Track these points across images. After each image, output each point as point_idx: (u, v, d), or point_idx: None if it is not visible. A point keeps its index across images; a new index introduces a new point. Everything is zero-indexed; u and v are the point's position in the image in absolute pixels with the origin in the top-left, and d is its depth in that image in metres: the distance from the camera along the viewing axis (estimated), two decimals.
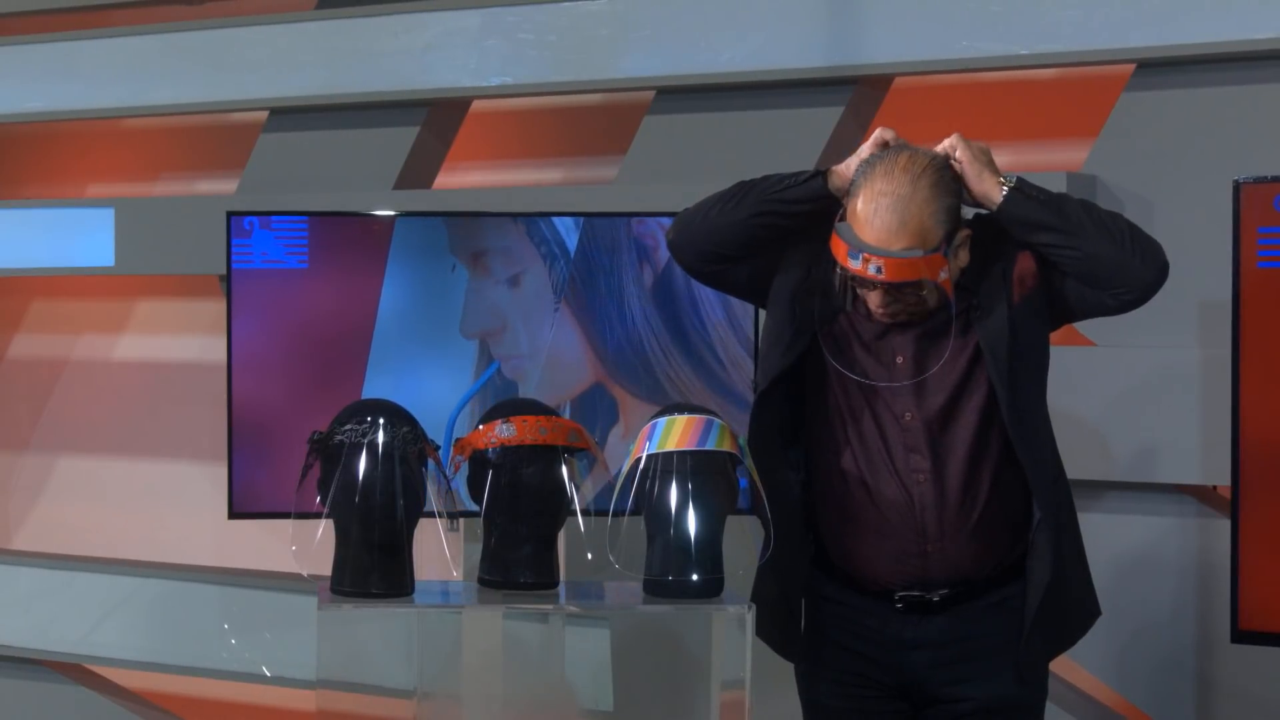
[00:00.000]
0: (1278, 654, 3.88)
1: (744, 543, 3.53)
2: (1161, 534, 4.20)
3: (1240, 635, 3.73)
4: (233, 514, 4.19)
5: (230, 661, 5.20)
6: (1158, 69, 4.21)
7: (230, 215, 4.19)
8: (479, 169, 5.36)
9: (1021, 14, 4.31)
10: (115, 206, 5.41)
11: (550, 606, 3.60)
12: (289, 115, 5.30)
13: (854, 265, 3.16)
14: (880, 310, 3.23)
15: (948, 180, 3.20)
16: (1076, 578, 3.35)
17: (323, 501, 3.47)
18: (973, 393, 3.26)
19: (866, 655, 3.34)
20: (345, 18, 5.17)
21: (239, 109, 5.44)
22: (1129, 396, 4.19)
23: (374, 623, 3.90)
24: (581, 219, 4.18)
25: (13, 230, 5.59)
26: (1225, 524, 3.91)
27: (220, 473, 4.24)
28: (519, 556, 3.49)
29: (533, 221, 4.19)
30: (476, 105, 5.20)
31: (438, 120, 5.15)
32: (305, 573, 3.59)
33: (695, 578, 3.39)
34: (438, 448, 3.55)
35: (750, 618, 3.39)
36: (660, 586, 3.42)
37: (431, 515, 3.48)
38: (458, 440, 3.54)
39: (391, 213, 4.27)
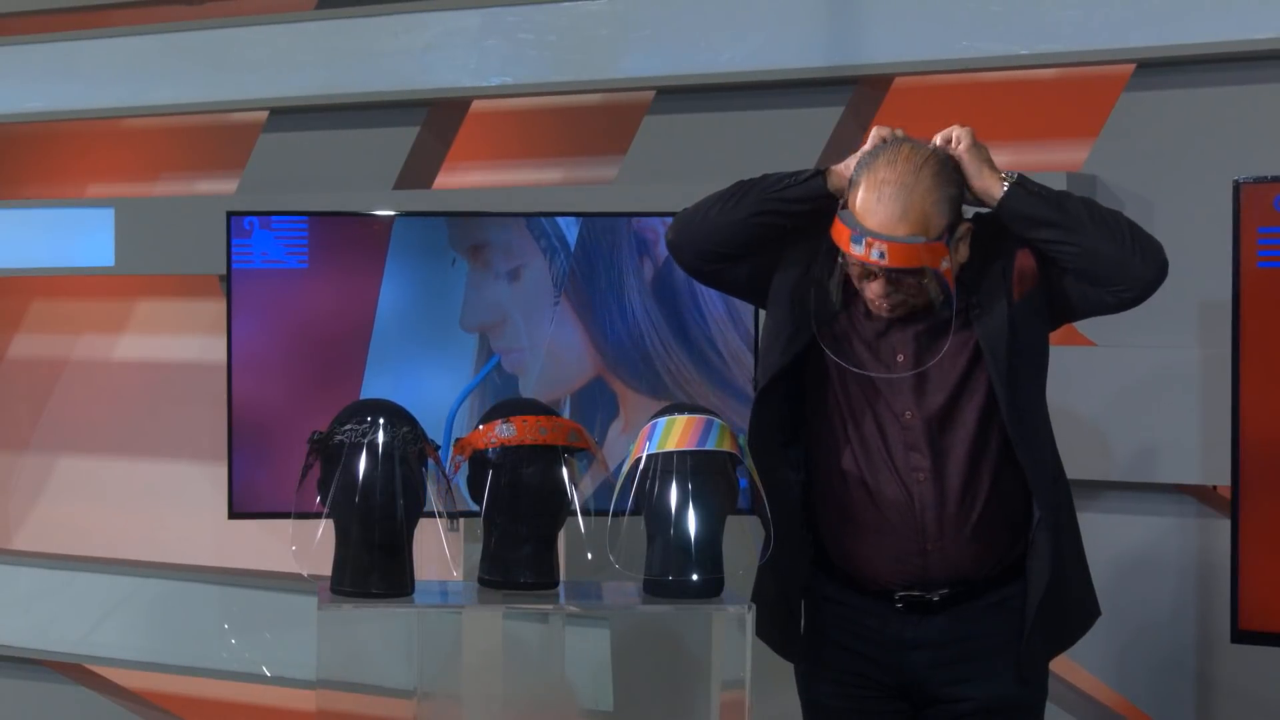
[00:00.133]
0: (1278, 654, 3.88)
1: (744, 543, 3.53)
2: (1161, 534, 4.20)
3: (1240, 635, 3.73)
4: (233, 514, 4.19)
5: (230, 661, 5.20)
6: (1158, 69, 4.21)
7: (230, 215, 4.19)
8: (479, 169, 5.36)
9: (1021, 14, 4.31)
10: (115, 206, 5.41)
11: (550, 606, 3.60)
12: (289, 115, 5.30)
13: (856, 251, 3.16)
14: (881, 301, 3.22)
15: (949, 171, 3.20)
16: (1076, 577, 3.35)
17: (323, 501, 3.47)
18: (973, 392, 3.26)
19: (866, 655, 3.34)
20: (345, 18, 5.17)
21: (239, 109, 5.44)
22: (1129, 396, 4.19)
23: (374, 623, 3.90)
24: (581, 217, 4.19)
25: (13, 230, 5.59)
26: (1225, 524, 3.91)
27: (220, 473, 4.24)
28: (519, 556, 3.49)
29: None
30: (476, 105, 5.20)
31: (438, 120, 5.15)
32: (305, 573, 3.59)
33: (695, 578, 3.39)
34: (438, 447, 3.55)
35: (750, 618, 3.39)
36: (660, 586, 3.42)
37: (431, 515, 3.48)
38: (458, 440, 3.54)
39: (391, 213, 4.27)
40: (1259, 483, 3.68)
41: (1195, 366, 4.10)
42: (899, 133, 3.26)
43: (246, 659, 5.17)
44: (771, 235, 3.34)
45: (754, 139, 4.65)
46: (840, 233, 3.19)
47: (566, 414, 4.12)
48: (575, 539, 3.47)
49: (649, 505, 3.38)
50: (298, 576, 3.80)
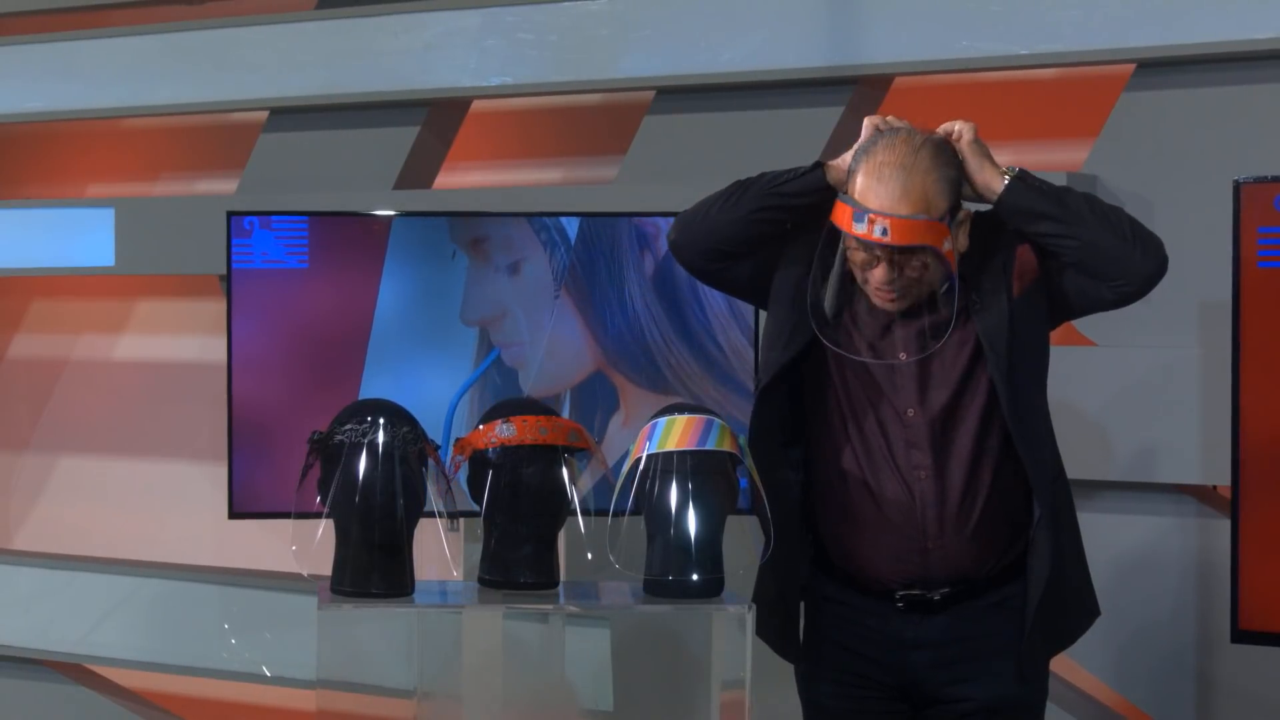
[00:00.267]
0: (1278, 654, 3.88)
1: (744, 543, 3.53)
2: (1161, 534, 4.20)
3: (1240, 635, 3.73)
4: (233, 514, 4.19)
5: (230, 661, 5.20)
6: (1158, 69, 4.21)
7: (230, 215, 4.19)
8: (479, 169, 5.37)
9: (1021, 14, 4.31)
10: (115, 206, 5.41)
11: (550, 606, 3.60)
12: (289, 115, 5.30)
13: (859, 229, 3.16)
14: (883, 288, 3.21)
15: (948, 155, 3.22)
16: (1076, 576, 3.36)
17: (323, 501, 3.47)
18: (975, 389, 3.26)
19: (867, 655, 3.34)
20: (345, 18, 5.17)
21: (239, 109, 5.44)
22: (1129, 396, 4.19)
23: (374, 623, 3.90)
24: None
25: (13, 230, 5.59)
26: (1225, 524, 3.91)
27: (220, 473, 4.24)
28: (519, 556, 3.49)
29: None
30: (476, 105, 5.20)
31: (438, 120, 5.15)
32: (305, 573, 3.59)
33: (695, 577, 3.39)
34: (438, 447, 3.55)
35: (750, 618, 3.39)
36: (660, 586, 3.42)
37: (431, 515, 3.48)
38: (458, 440, 3.54)
39: (392, 212, 4.27)
40: (1259, 483, 3.68)
41: (1195, 366, 4.10)
42: (892, 120, 3.27)
43: (246, 659, 5.17)
44: (772, 232, 3.34)
45: (754, 139, 4.65)
46: (842, 213, 3.19)
47: (567, 407, 4.12)
48: (575, 539, 3.47)
49: (649, 505, 3.38)
50: (298, 576, 3.80)
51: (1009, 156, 3.31)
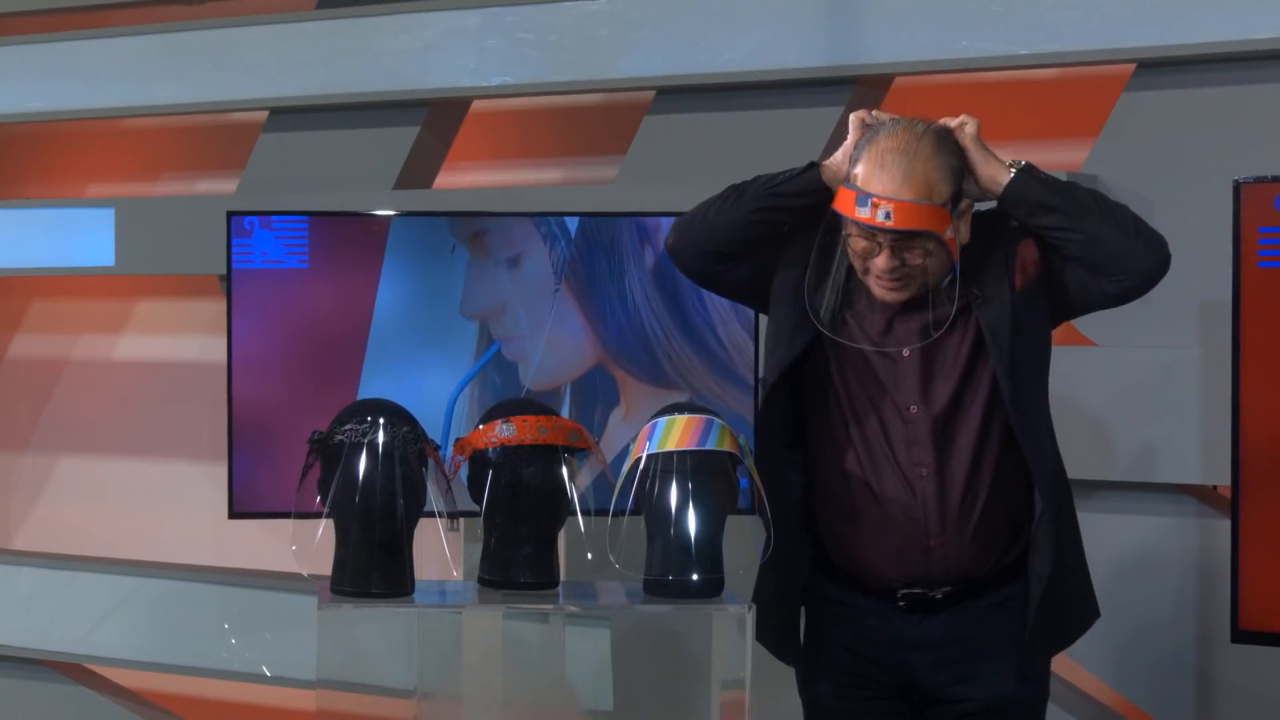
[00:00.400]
0: (1278, 654, 3.88)
1: (744, 543, 3.53)
2: (1161, 534, 4.20)
3: (1240, 635, 3.73)
4: (233, 514, 4.19)
5: (230, 661, 5.20)
6: (1158, 69, 4.22)
7: (230, 215, 4.19)
8: (479, 169, 5.37)
9: (1021, 14, 4.31)
10: (115, 206, 5.41)
11: (550, 606, 3.60)
12: (289, 115, 5.30)
13: (862, 213, 3.16)
14: (884, 276, 3.21)
15: (949, 143, 3.23)
16: (1076, 575, 3.36)
17: (323, 501, 3.47)
18: (977, 385, 3.26)
19: (867, 656, 3.34)
20: (345, 18, 5.17)
21: (239, 109, 5.44)
22: (1129, 396, 4.19)
23: (374, 623, 3.90)
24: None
25: (13, 230, 5.59)
26: (1225, 524, 3.91)
27: (220, 473, 4.24)
28: (519, 556, 3.49)
29: None
30: (476, 105, 5.20)
31: (438, 120, 5.15)
32: (305, 573, 3.59)
33: (695, 578, 3.39)
34: (438, 447, 3.55)
35: (750, 618, 3.39)
36: (660, 586, 3.42)
37: (431, 515, 3.48)
38: (458, 440, 3.54)
39: (391, 212, 4.27)
40: (1259, 483, 3.68)
41: (1195, 366, 4.10)
42: (878, 114, 3.28)
43: (246, 659, 5.17)
44: (770, 232, 3.34)
45: (754, 139, 4.65)
46: (845, 199, 3.19)
47: (567, 402, 4.12)
48: (575, 539, 3.47)
49: (649, 505, 3.38)
50: (298, 576, 3.80)
51: (1009, 156, 3.31)
